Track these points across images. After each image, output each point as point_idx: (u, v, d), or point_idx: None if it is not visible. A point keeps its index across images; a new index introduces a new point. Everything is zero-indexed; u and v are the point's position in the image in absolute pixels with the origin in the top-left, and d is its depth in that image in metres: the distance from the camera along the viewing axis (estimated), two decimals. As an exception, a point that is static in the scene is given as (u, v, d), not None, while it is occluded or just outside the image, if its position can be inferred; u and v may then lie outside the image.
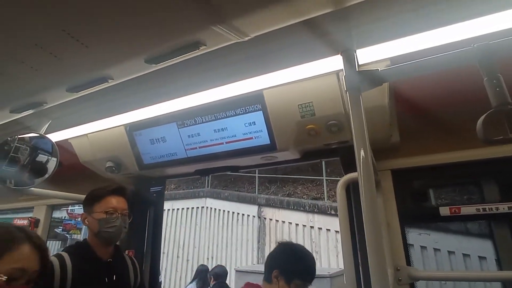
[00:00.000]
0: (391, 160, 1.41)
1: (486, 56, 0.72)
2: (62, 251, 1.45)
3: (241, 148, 1.41)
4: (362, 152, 0.78)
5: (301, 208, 7.79)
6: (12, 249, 0.90)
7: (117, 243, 1.56)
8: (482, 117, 0.68)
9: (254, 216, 8.60)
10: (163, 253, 9.90)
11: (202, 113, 1.45)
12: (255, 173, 9.68)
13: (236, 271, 5.19)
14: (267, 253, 8.02)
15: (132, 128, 1.64)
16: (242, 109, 1.36)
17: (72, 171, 2.07)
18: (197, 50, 0.97)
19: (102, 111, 1.55)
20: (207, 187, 10.30)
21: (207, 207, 9.64)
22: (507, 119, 0.66)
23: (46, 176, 1.60)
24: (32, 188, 1.59)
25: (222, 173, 10.98)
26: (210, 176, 10.59)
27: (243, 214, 8.84)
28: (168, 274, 9.34)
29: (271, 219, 8.29)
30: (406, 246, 1.33)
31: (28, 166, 1.58)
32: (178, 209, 10.06)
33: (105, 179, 2.00)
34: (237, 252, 8.61)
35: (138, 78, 1.19)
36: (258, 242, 8.33)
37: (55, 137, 1.82)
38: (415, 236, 4.99)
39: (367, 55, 1.05)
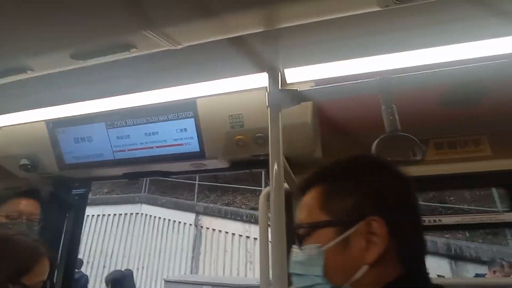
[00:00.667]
0: (313, 174, 1.51)
1: (385, 88, 0.83)
2: None
3: (171, 154, 1.41)
4: (275, 166, 0.84)
5: (239, 218, 7.84)
6: (39, 261, 0.93)
7: None
8: (376, 141, 0.78)
9: (191, 225, 8.41)
10: (88, 262, 9.13)
11: (133, 115, 1.42)
12: (195, 181, 9.53)
13: (165, 281, 5.00)
14: (201, 262, 7.89)
15: (56, 125, 1.53)
16: (175, 115, 1.35)
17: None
18: (128, 52, 0.96)
19: (21, 103, 1.42)
20: (144, 192, 9.84)
21: (141, 214, 9.19)
22: (396, 144, 0.77)
23: None
24: None
25: (160, 179, 10.58)
26: (148, 181, 10.15)
27: (179, 222, 8.59)
28: (92, 284, 8.62)
29: (208, 228, 8.19)
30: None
31: None
32: (109, 214, 9.42)
33: (20, 179, 1.82)
34: (170, 261, 8.31)
35: (65, 72, 1.13)
36: (193, 251, 8.14)
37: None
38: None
39: (294, 75, 1.14)
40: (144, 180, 10.11)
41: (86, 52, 0.94)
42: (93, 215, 9.44)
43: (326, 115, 1.43)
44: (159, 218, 8.96)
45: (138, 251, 8.72)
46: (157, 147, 1.42)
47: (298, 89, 0.92)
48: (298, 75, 1.14)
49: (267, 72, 0.98)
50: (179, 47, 0.96)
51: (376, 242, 0.52)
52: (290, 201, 1.41)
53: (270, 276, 0.85)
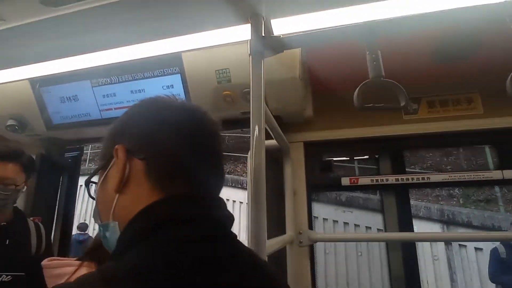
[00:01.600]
0: (305, 132, 1.49)
1: (371, 33, 0.78)
2: None
3: (159, 112, 1.38)
4: (256, 119, 0.80)
5: (239, 186, 7.94)
6: None
7: (18, 207, 1.44)
8: (358, 88, 0.75)
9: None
10: (94, 230, 9.39)
11: (118, 72, 1.37)
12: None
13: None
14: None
15: (39, 83, 1.49)
16: (160, 71, 1.31)
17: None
18: (100, -4, 0.90)
19: (1, 60, 1.38)
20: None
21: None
22: (379, 90, 0.73)
23: None
24: None
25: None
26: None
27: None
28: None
29: (227, 200, 8.33)
30: (311, 212, 1.45)
31: None
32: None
33: (8, 140, 1.81)
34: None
35: (42, 24, 1.07)
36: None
37: None
38: (340, 213, 5.46)
39: (280, 27, 1.08)
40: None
41: (56, -5, 0.88)
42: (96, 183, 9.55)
43: (317, 74, 1.39)
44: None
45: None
46: (144, 105, 1.39)
47: (281, 35, 0.87)
48: (284, 26, 1.08)
49: (249, 21, 0.93)
50: (157, -10, 0.90)
51: (118, 168, 0.50)
52: (280, 158, 1.40)
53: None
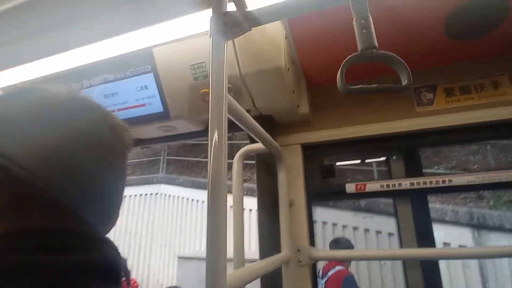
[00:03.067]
0: (302, 133, 1.31)
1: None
2: None
3: (134, 117, 1.23)
4: (216, 132, 0.63)
5: (255, 194, 7.74)
6: None
7: None
8: (342, 64, 0.56)
9: (208, 202, 8.45)
10: (113, 241, 9.48)
11: (89, 75, 1.24)
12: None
13: (178, 257, 5.04)
14: (220, 239, 7.94)
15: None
16: (132, 71, 1.17)
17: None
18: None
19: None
20: (162, 173, 9.97)
21: (161, 194, 9.33)
22: (371, 66, 0.55)
23: None
24: None
25: (178, 159, 10.62)
26: (165, 161, 10.24)
27: (197, 201, 8.65)
28: (119, 263, 8.97)
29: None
30: (312, 225, 1.25)
31: None
32: (130, 195, 9.64)
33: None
34: (191, 239, 8.45)
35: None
36: (212, 228, 8.21)
37: None
38: (361, 219, 5.16)
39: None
40: (162, 160, 10.23)
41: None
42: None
43: (310, 65, 1.20)
44: (178, 197, 9.06)
45: (160, 229, 8.92)
46: (118, 110, 1.25)
47: (246, 9, 0.70)
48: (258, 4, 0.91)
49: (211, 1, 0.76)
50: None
51: None
52: (273, 164, 1.22)
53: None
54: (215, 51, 0.68)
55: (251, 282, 0.77)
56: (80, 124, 0.40)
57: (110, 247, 0.39)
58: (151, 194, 9.48)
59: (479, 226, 3.98)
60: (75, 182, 0.37)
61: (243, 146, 1.19)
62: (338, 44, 1.11)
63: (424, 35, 0.98)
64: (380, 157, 1.35)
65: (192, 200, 8.76)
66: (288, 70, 1.04)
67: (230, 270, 0.97)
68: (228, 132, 1.40)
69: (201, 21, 1.00)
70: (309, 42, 1.08)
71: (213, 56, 0.68)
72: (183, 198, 8.96)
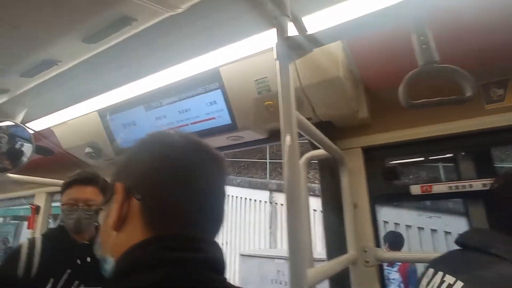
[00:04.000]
0: (362, 137, 1.33)
1: (414, 9, 0.63)
2: (42, 234, 1.48)
3: (205, 129, 1.38)
4: (287, 129, 0.72)
5: (311, 193, 7.71)
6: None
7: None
8: (404, 79, 0.60)
9: (266, 202, 8.62)
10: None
11: (166, 94, 1.42)
12: (267, 159, 9.68)
13: (241, 255, 5.25)
14: (279, 237, 8.06)
15: (105, 113, 1.64)
16: (202, 88, 1.31)
17: (64, 159, 2.12)
18: (130, 26, 0.93)
19: (70, 97, 1.55)
20: (220, 174, 10.38)
21: (221, 194, 9.75)
22: (433, 80, 0.58)
23: (23, 162, 1.63)
24: (9, 174, 1.63)
25: (234, 160, 10.95)
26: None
27: (255, 200, 8.87)
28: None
29: (282, 204, 8.28)
30: (376, 226, 1.27)
31: (5, 153, 1.61)
32: (192, 196, 10.24)
33: (89, 166, 2.03)
34: (250, 237, 8.70)
35: (92, 62, 1.17)
36: (270, 227, 8.36)
37: (37, 125, 1.85)
38: (425, 219, 4.86)
39: (313, 26, 0.97)
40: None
41: (92, 33, 0.94)
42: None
43: (367, 70, 1.22)
44: (236, 197, 9.37)
45: (221, 228, 9.27)
46: (191, 123, 1.41)
47: (307, 33, 0.77)
48: (319, 23, 0.97)
49: (274, 25, 0.85)
50: (179, 10, 0.89)
51: (116, 206, 0.51)
52: (335, 168, 1.27)
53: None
54: (282, 73, 0.76)
55: (324, 280, 0.84)
56: (190, 159, 0.55)
57: (217, 248, 0.51)
58: (211, 194, 9.96)
59: None
60: (189, 200, 0.52)
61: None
62: (395, 48, 1.12)
63: (493, 28, 0.96)
64: (447, 157, 1.31)
65: (250, 199, 9.01)
66: (346, 79, 1.09)
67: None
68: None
69: (263, 40, 1.10)
70: (366, 48, 1.11)
71: (281, 78, 0.76)
72: (241, 198, 9.25)
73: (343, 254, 1.16)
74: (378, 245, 1.24)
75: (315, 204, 7.55)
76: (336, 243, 1.26)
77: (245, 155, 10.89)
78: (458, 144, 1.20)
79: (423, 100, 0.60)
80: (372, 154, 1.33)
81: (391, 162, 1.32)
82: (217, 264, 0.50)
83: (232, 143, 1.48)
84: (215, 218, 0.55)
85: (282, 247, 7.65)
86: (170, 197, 0.51)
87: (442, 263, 0.91)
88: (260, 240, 8.44)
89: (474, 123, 1.13)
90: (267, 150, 9.82)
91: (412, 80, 0.60)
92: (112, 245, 0.52)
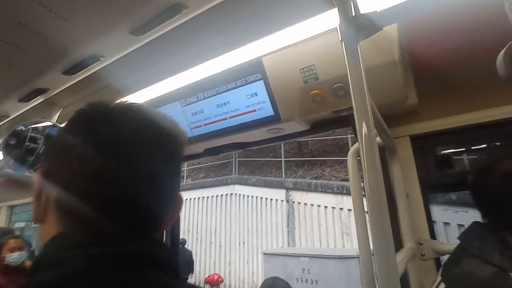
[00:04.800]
0: (409, 125, 1.28)
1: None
2: None
3: (246, 122, 1.34)
4: (362, 111, 0.67)
5: (329, 190, 7.65)
6: None
7: None
8: (503, 50, 0.55)
9: (282, 201, 8.57)
10: (197, 239, 10.21)
11: (203, 89, 1.39)
12: (281, 158, 9.63)
13: (264, 254, 5.21)
14: (297, 236, 8.01)
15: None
16: (243, 80, 1.28)
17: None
18: (181, 14, 0.91)
19: (108, 94, 1.54)
20: (235, 174, 10.39)
21: (235, 194, 9.75)
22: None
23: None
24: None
25: (248, 159, 10.97)
26: (237, 163, 10.68)
27: (271, 199, 8.84)
28: (203, 259, 9.62)
29: (299, 203, 8.23)
30: (430, 217, 1.21)
31: (41, 154, 1.61)
32: (207, 197, 10.27)
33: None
34: (267, 236, 8.67)
35: (134, 56, 1.15)
36: (288, 226, 8.31)
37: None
38: (452, 214, 4.73)
39: (369, 5, 0.93)
40: (233, 162, 10.68)
41: (141, 24, 0.92)
42: (194, 198, 10.45)
43: (416, 53, 1.17)
44: (252, 196, 9.35)
45: (237, 228, 9.29)
46: (230, 117, 1.38)
47: (377, 10, 0.73)
48: (374, 2, 0.93)
49: (335, 4, 0.81)
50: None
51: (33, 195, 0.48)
52: (383, 157, 1.22)
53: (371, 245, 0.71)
54: (350, 55, 0.72)
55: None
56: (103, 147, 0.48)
57: (145, 241, 0.45)
58: (226, 194, 9.96)
59: None
60: (104, 191, 0.46)
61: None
62: (449, 30, 1.07)
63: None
64: (500, 143, 1.24)
65: (266, 198, 8.97)
66: (400, 63, 1.04)
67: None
68: (330, 129, 1.43)
69: (308, 25, 1.06)
70: (420, 30, 1.06)
71: (349, 61, 0.72)
72: (257, 197, 9.22)
73: (397, 247, 1.11)
74: (433, 237, 1.19)
75: (333, 201, 7.48)
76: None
77: (258, 155, 10.87)
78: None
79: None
80: (421, 142, 1.27)
81: (444, 151, 1.26)
82: (138, 259, 0.43)
83: (272, 136, 1.44)
84: (145, 208, 0.47)
85: (301, 246, 7.60)
86: (81, 185, 0.44)
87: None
88: (278, 239, 8.40)
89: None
90: (282, 148, 9.76)
91: (511, 51, 0.55)
92: (39, 238, 0.48)
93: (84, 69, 1.17)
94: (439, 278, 0.89)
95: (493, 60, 1.08)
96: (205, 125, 1.47)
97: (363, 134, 0.66)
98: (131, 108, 0.51)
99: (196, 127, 1.50)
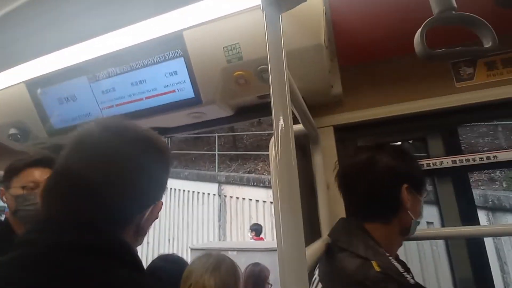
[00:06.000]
0: (333, 115, 1.28)
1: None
2: None
3: (164, 104, 1.20)
4: (280, 110, 0.58)
5: (261, 184, 7.77)
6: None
7: None
8: (420, 29, 0.53)
9: (214, 195, 8.47)
10: (122, 236, 9.55)
11: (116, 63, 1.21)
12: (215, 151, 9.52)
13: (191, 249, 5.06)
14: (228, 230, 7.99)
15: (35, 85, 1.35)
16: (161, 56, 1.13)
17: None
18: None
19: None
20: (166, 167, 9.95)
21: (167, 187, 9.35)
22: (450, 29, 0.52)
23: None
24: None
25: (181, 152, 10.59)
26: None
27: (203, 193, 8.67)
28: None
29: (231, 197, 8.21)
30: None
31: None
32: (135, 190, 9.67)
33: (18, 153, 1.70)
34: (198, 231, 8.49)
35: (24, 13, 0.93)
36: (219, 220, 8.25)
37: None
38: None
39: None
40: (165, 155, 10.22)
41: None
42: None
43: (343, 42, 1.16)
44: (184, 190, 9.08)
45: (167, 223, 8.97)
46: (146, 98, 1.22)
47: (302, -21, 0.66)
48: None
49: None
50: None
51: None
52: (307, 146, 1.19)
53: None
54: (270, 27, 0.64)
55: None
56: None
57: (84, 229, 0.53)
58: (157, 188, 9.50)
59: (494, 208, 3.96)
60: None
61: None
62: (374, 20, 1.07)
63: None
64: (417, 136, 1.32)
65: (198, 192, 8.78)
66: (326, 48, 1.01)
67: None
68: (255, 117, 1.37)
69: (235, 0, 0.97)
70: (347, 17, 1.04)
71: (269, 33, 0.64)
72: (189, 191, 8.98)
73: (315, 237, 1.09)
74: (350, 227, 1.20)
75: (264, 195, 7.63)
76: (308, 228, 1.18)
77: (192, 148, 10.59)
78: (429, 122, 1.20)
79: (443, 49, 0.52)
80: (343, 133, 1.28)
81: (363, 141, 1.29)
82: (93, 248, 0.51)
83: (194, 122, 1.32)
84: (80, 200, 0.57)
85: (232, 240, 7.60)
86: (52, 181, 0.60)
87: None
88: (209, 234, 8.29)
89: (444, 101, 1.14)
90: (216, 142, 9.65)
91: (429, 26, 0.53)
92: None
93: None
94: (317, 276, 0.89)
95: (413, 55, 1.11)
96: (117, 105, 1.28)
97: (280, 116, 0.58)
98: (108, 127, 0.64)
99: (107, 107, 1.30)
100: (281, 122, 0.58)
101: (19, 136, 1.51)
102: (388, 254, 0.78)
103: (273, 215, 7.34)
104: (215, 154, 9.56)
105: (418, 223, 0.86)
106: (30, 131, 1.51)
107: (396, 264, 0.76)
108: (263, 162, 9.28)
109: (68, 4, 0.94)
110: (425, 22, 0.52)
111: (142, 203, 0.64)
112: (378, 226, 0.85)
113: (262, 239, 6.35)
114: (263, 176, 8.06)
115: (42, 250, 0.49)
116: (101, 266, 0.50)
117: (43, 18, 0.99)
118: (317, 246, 0.96)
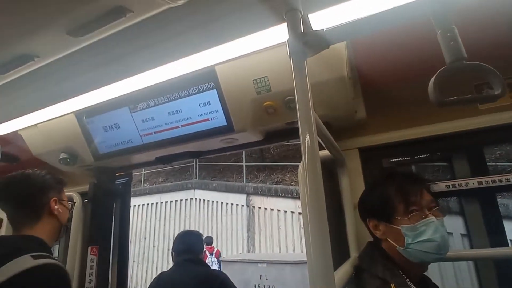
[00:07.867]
0: (358, 138, 1.32)
1: (440, 5, 0.61)
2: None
3: (198, 131, 1.30)
4: (306, 128, 0.67)
5: (289, 195, 7.77)
6: None
7: None
8: (434, 77, 0.58)
9: (243, 205, 8.56)
10: (154, 246, 9.83)
11: (154, 95, 1.33)
12: (243, 162, 9.63)
13: (222, 261, 5.14)
14: (257, 241, 8.02)
15: (83, 115, 1.51)
16: (195, 88, 1.24)
17: (33, 166, 1.94)
18: (125, 18, 0.85)
19: (45, 97, 1.41)
20: (195, 178, 10.19)
21: (195, 199, 9.55)
22: (463, 79, 0.56)
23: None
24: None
25: (209, 163, 10.77)
26: (197, 167, 10.48)
27: (231, 204, 8.79)
28: (160, 268, 9.27)
29: (259, 207, 8.26)
30: (375, 229, 1.26)
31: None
32: (166, 202, 9.96)
33: (63, 174, 1.88)
34: (227, 242, 8.58)
35: (74, 58, 1.06)
36: (248, 230, 8.31)
37: (2, 128, 1.67)
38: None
39: (321, 21, 0.94)
40: (194, 166, 10.48)
41: (80, 24, 0.85)
42: (152, 203, 10.06)
43: (365, 70, 1.21)
44: (212, 201, 9.22)
45: (197, 233, 9.07)
46: (182, 126, 1.33)
47: (324, 28, 0.73)
48: (325, 20, 0.94)
49: (285, 17, 0.80)
50: (180, 2, 0.82)
51: None
52: (333, 170, 1.24)
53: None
54: (297, 70, 0.71)
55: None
56: None
57: None
58: (186, 199, 9.74)
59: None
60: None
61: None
62: (395, 46, 1.12)
63: (489, 36, 0.97)
64: (441, 157, 1.33)
65: (226, 203, 8.90)
66: (349, 78, 1.07)
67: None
68: (284, 140, 1.44)
69: (262, 37, 1.05)
70: (367, 46, 1.10)
71: (296, 76, 0.71)
72: (217, 202, 9.12)
73: (344, 257, 1.13)
74: (379, 247, 1.23)
75: (292, 206, 7.61)
76: (336, 248, 1.22)
77: (220, 159, 10.77)
78: (453, 144, 1.21)
79: (455, 97, 0.57)
80: (368, 155, 1.32)
81: (390, 161, 1.32)
82: None
83: (226, 146, 1.42)
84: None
85: (261, 251, 7.62)
86: None
87: None
88: (238, 245, 8.36)
89: (468, 123, 1.15)
90: (243, 153, 9.77)
91: (442, 78, 0.57)
92: None
93: (16, 69, 1.06)
94: None
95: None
96: (156, 132, 1.40)
97: (306, 147, 0.66)
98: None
99: (147, 134, 1.42)
100: (307, 151, 0.65)
101: (68, 160, 1.68)
102: (405, 277, 0.83)
103: (302, 225, 7.29)
104: (242, 165, 9.68)
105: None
106: (78, 155, 1.68)
107: (413, 287, 0.81)
108: (291, 172, 9.27)
109: (119, 45, 1.07)
110: (438, 72, 0.57)
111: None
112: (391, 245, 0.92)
113: (213, 248, 7.07)
114: (290, 187, 8.06)
115: None
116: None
117: (96, 59, 1.13)
118: (345, 270, 1.01)
